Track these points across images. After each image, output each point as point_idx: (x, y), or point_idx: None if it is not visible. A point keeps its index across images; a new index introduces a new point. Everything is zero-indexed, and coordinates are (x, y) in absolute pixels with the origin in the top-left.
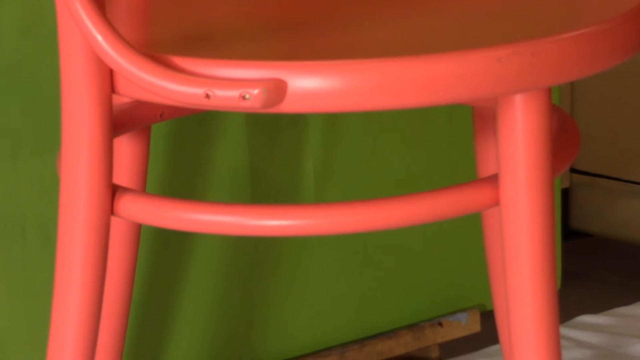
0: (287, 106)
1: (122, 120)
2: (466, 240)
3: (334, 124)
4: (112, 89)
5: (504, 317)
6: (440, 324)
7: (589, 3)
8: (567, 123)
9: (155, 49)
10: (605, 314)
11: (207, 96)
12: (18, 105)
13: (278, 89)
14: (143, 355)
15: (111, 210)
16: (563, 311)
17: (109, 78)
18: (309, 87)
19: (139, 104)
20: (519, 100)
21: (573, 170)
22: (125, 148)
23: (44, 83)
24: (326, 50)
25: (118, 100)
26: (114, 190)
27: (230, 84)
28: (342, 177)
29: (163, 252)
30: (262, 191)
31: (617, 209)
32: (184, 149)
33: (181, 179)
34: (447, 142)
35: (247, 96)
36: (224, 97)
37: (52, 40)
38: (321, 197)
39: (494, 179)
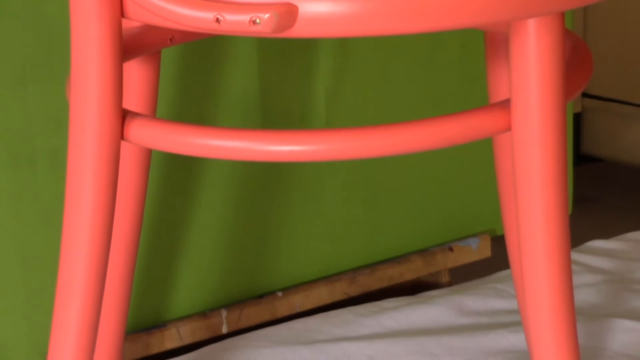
0: (297, 31)
1: (131, 44)
2: (477, 165)
3: (345, 49)
4: (122, 13)
5: (514, 242)
6: (451, 249)
7: None
8: (580, 48)
9: None
10: (616, 238)
11: (217, 21)
12: (27, 31)
13: (289, 13)
14: (154, 281)
15: (121, 136)
16: (574, 236)
17: (118, 2)
18: (320, 12)
19: (148, 29)
20: (532, 24)
21: (585, 95)
22: (135, 73)
23: (53, 8)
24: None
25: (127, 24)
26: (124, 116)
27: (240, 8)
28: (353, 103)
29: (173, 178)
30: (272, 116)
31: (629, 133)
32: (194, 74)
33: (191, 105)
34: (459, 67)
35: (258, 21)
36: (234, 22)
37: None
38: (332, 122)
39: (505, 104)
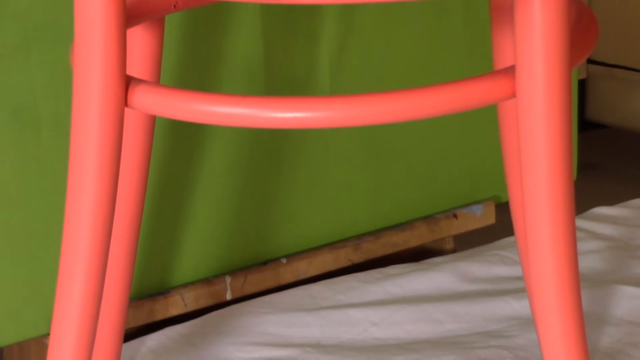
0: None
1: (135, 10)
2: (482, 132)
3: (350, 15)
4: None
5: (519, 209)
6: (455, 216)
7: None
8: (585, 14)
9: None
10: (620, 205)
11: None
12: None
13: None
14: (158, 247)
15: (125, 102)
16: (578, 203)
17: None
18: None
19: None
20: None
21: (590, 61)
22: (139, 40)
23: None
24: None
25: None
26: (128, 82)
27: None
28: (358, 69)
29: (177, 145)
30: (276, 83)
31: (633, 99)
32: (198, 41)
33: (195, 71)
34: (464, 33)
35: None
36: None
37: None
38: (336, 89)
39: (510, 71)
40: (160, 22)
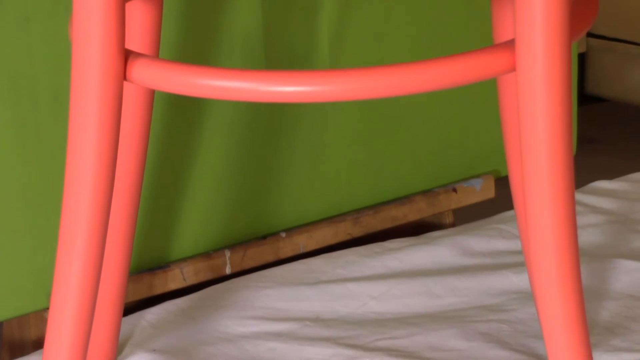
0: None
1: None
2: (481, 106)
3: None
4: None
5: (518, 182)
6: (455, 190)
7: None
8: None
9: None
10: (620, 179)
11: None
12: None
13: None
14: (157, 222)
15: (124, 76)
16: (578, 177)
17: None
18: None
19: None
20: None
21: (590, 35)
22: (138, 13)
23: None
24: None
25: None
26: (127, 56)
27: None
28: (357, 43)
29: (176, 119)
30: (276, 57)
31: (633, 73)
32: (197, 15)
33: (194, 45)
34: (464, 7)
35: None
36: None
37: None
38: (336, 63)
39: (510, 44)
40: None
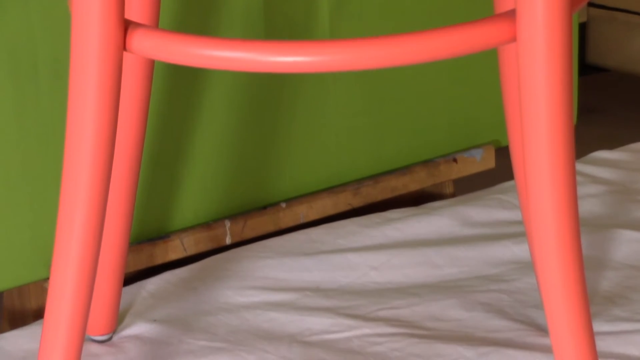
0: None
1: None
2: (482, 76)
3: None
4: None
5: (519, 153)
6: (455, 160)
7: None
8: None
9: None
10: (620, 149)
11: None
12: None
13: None
14: (157, 192)
15: (124, 46)
16: (578, 147)
17: None
18: None
19: None
20: None
21: (591, 4)
22: None
23: None
24: None
25: None
26: (127, 26)
27: None
28: (357, 13)
29: (176, 89)
30: (276, 27)
31: (634, 43)
32: None
33: (194, 15)
34: None
35: None
36: None
37: None
38: (336, 33)
39: (511, 14)
40: None
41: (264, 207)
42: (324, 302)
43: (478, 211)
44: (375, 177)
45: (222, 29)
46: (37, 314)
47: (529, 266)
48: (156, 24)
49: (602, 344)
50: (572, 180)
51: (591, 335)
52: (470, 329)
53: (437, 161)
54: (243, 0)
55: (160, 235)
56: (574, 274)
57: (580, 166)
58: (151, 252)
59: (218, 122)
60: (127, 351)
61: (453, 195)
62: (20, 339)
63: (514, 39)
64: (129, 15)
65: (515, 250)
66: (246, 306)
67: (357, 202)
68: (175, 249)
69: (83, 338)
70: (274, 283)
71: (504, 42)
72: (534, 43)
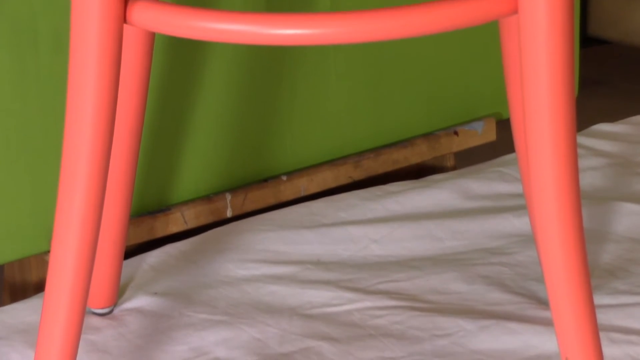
0: None
1: None
2: (483, 48)
3: None
4: None
5: (520, 125)
6: (456, 133)
7: None
8: None
9: None
10: (622, 122)
11: None
12: None
13: None
14: (158, 165)
15: (124, 19)
16: (580, 119)
17: None
18: None
19: None
20: None
21: None
22: None
23: None
24: None
25: None
26: None
27: None
28: None
29: (176, 62)
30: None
31: (636, 15)
32: None
33: None
34: None
35: None
36: None
37: None
38: (336, 5)
39: None
40: None
41: (265, 180)
42: (325, 275)
43: (479, 184)
44: (376, 150)
45: (222, 1)
46: (38, 287)
47: (529, 239)
48: None
49: (603, 317)
50: (573, 152)
51: (592, 308)
52: (471, 302)
53: (438, 134)
54: None
55: (160, 208)
56: (574, 247)
57: (581, 139)
58: (152, 225)
59: (219, 94)
60: (128, 324)
61: (454, 168)
62: (21, 311)
63: (515, 11)
64: None
65: (516, 223)
66: (247, 279)
67: (358, 175)
68: (176, 222)
69: (84, 311)
70: (274, 256)
71: (505, 15)
72: (535, 15)
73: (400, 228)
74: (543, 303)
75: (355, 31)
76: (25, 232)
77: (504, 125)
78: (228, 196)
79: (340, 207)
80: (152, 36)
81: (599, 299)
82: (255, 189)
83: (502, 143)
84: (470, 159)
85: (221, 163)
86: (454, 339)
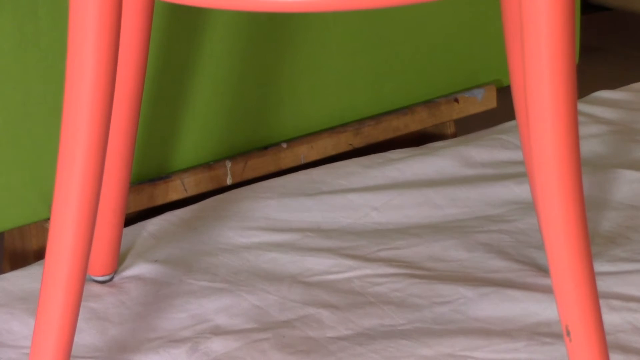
0: None
1: None
2: (483, 15)
3: None
4: None
5: (520, 92)
6: (456, 100)
7: None
8: None
9: None
10: (622, 89)
11: None
12: None
13: None
14: (158, 132)
15: None
16: (580, 86)
17: None
18: None
19: None
20: None
21: None
22: None
23: None
24: None
25: None
26: None
27: None
28: None
29: (176, 28)
30: None
31: None
32: None
33: None
34: None
35: None
36: None
37: None
38: None
39: None
40: None
41: (265, 148)
42: (325, 243)
43: (479, 151)
44: (376, 117)
45: None
46: (38, 255)
47: (530, 206)
48: None
49: (603, 284)
50: (574, 119)
51: (592, 276)
52: (471, 270)
53: (439, 101)
54: None
55: (160, 176)
56: (575, 214)
57: (582, 106)
58: (152, 192)
59: (218, 62)
60: (128, 291)
61: (454, 135)
62: (21, 279)
63: None
64: None
65: (517, 191)
66: (247, 246)
67: (358, 142)
68: (175, 189)
69: (84, 278)
70: (274, 223)
71: None
72: None
73: (400, 195)
74: (543, 270)
75: None
76: (26, 200)
77: (504, 92)
78: (228, 163)
79: (341, 174)
80: (152, 3)
81: (598, 266)
82: (256, 156)
83: (503, 110)
84: (470, 126)
85: (221, 130)
86: (454, 306)
